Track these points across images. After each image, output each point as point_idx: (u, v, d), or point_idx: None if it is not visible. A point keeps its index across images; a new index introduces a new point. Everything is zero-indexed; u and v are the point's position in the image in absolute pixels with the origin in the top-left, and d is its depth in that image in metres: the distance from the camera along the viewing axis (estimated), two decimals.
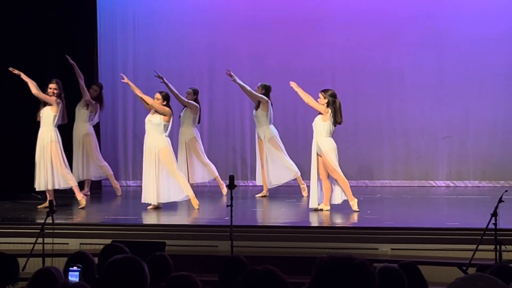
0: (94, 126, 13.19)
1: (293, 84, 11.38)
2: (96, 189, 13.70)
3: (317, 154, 10.99)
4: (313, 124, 11.08)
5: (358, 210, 10.85)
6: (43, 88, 11.53)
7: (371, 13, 14.54)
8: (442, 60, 14.43)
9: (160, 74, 12.17)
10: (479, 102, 14.31)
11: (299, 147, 13.83)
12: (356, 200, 10.93)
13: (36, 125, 11.55)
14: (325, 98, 10.94)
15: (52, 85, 11.46)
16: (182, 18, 14.94)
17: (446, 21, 14.40)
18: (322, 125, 10.91)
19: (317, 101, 10.99)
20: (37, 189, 11.54)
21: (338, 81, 14.54)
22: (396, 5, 14.63)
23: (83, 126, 12.74)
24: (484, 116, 14.29)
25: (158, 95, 11.45)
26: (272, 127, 12.70)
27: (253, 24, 14.77)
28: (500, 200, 7.93)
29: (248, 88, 12.67)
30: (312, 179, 11.02)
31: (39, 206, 11.59)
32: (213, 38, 14.86)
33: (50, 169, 11.34)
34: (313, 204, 10.96)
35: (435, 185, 14.41)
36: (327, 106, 10.93)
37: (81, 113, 12.92)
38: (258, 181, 12.99)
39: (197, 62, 14.92)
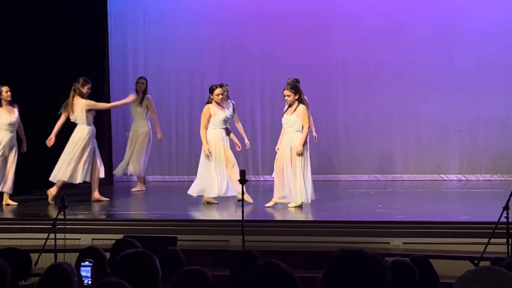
0: (106, 122, 13.26)
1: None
2: (108, 185, 13.71)
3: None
4: (284, 120, 10.92)
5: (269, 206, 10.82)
6: (63, 87, 11.60)
7: (381, 7, 14.52)
8: (452, 53, 14.39)
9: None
10: (490, 95, 14.27)
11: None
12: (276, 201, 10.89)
13: (47, 121, 11.61)
14: (296, 94, 10.89)
15: (90, 85, 11.70)
16: (192, 16, 14.94)
17: (457, 14, 14.36)
18: (298, 121, 10.83)
19: (287, 99, 10.86)
20: (76, 181, 11.70)
21: (349, 76, 14.56)
22: None
23: (143, 124, 12.92)
24: (495, 110, 14.25)
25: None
26: None
27: (264, 22, 14.77)
28: None
29: None
30: (293, 175, 10.87)
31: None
32: (223, 36, 14.86)
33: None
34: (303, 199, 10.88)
35: (446, 179, 14.38)
36: (302, 102, 10.90)
37: (138, 112, 13.01)
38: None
39: (207, 60, 14.93)
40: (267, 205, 10.91)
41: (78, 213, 10.79)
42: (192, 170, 13.92)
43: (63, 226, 8.29)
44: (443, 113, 14.41)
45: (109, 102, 13.31)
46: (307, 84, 12.47)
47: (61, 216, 8.29)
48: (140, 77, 13.24)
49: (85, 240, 9.65)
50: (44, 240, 8.42)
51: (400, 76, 14.54)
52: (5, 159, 11.53)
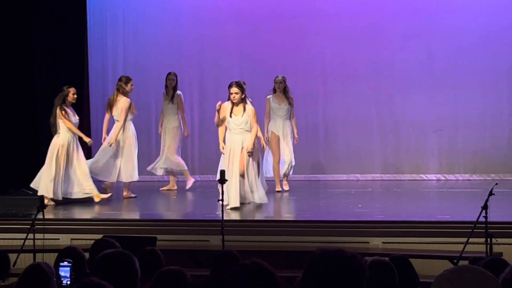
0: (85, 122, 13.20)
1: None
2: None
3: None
4: (233, 121, 10.76)
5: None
6: (42, 86, 11.54)
7: (360, 6, 14.54)
8: (431, 53, 14.44)
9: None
10: (468, 95, 14.31)
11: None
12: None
13: (25, 121, 11.56)
14: (242, 93, 10.79)
15: (132, 82, 11.98)
16: (171, 15, 14.92)
17: (435, 14, 14.41)
18: (249, 121, 10.76)
19: (236, 97, 10.71)
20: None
21: (327, 75, 14.59)
22: None
23: (173, 119, 12.88)
24: (474, 109, 14.30)
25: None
26: None
27: (242, 21, 14.77)
28: (491, 193, 7.93)
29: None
30: (252, 174, 10.77)
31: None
32: (202, 35, 14.84)
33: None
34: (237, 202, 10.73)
35: (425, 178, 14.42)
36: (246, 101, 10.83)
37: (169, 108, 12.94)
38: (269, 173, 12.65)
39: (186, 60, 14.90)
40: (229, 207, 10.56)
41: (57, 213, 10.75)
42: None
43: (42, 226, 8.25)
44: (422, 113, 14.45)
45: (88, 101, 13.38)
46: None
47: (40, 216, 8.25)
48: (170, 73, 13.01)
49: (64, 240, 9.61)
50: (22, 240, 8.37)
51: (379, 76, 14.57)
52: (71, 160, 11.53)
